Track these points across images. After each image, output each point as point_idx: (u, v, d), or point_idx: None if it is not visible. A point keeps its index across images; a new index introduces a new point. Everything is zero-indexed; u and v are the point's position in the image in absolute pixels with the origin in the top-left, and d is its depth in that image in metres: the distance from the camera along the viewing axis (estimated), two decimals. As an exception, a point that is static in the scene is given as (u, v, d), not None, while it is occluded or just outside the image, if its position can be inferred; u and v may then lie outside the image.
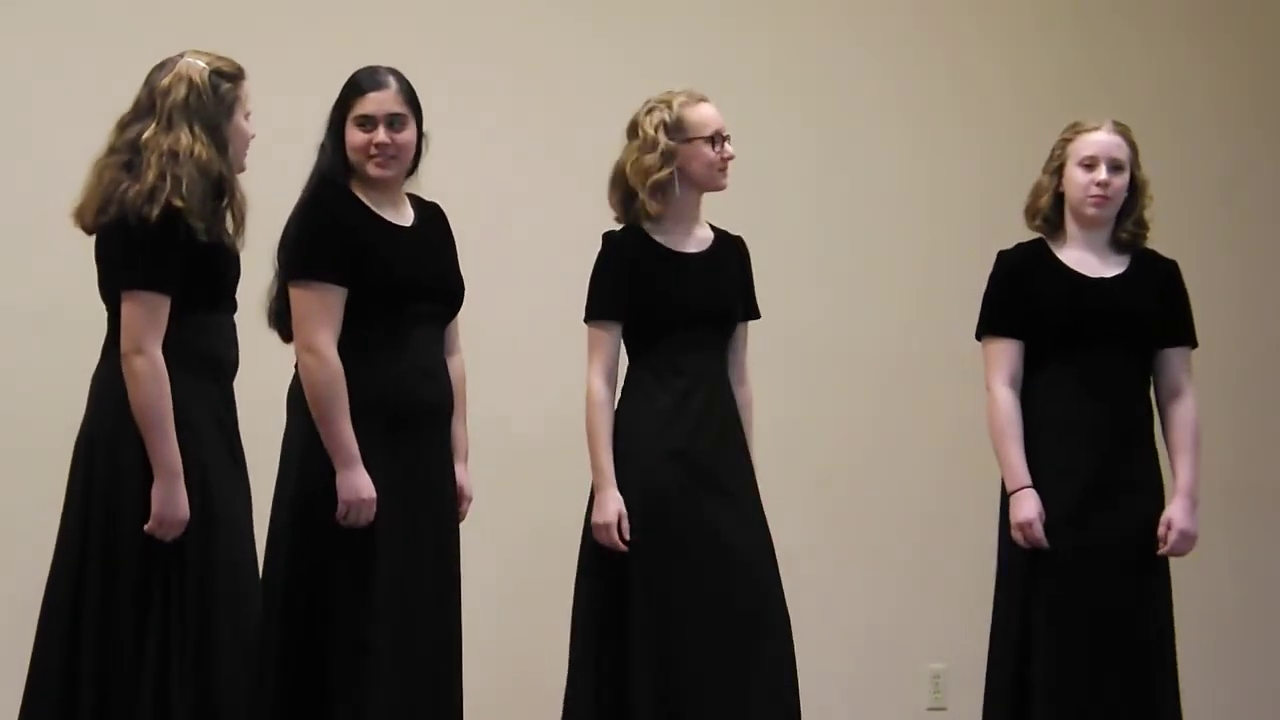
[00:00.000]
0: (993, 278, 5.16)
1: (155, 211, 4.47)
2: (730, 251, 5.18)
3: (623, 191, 5.10)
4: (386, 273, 4.68)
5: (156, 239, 4.48)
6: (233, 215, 4.60)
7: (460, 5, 6.47)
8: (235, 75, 4.65)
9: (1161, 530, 5.01)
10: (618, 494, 4.94)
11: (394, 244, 4.72)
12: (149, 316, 4.49)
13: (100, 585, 4.49)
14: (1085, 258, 5.10)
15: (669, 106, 5.07)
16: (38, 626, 4.58)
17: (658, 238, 5.09)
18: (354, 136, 4.72)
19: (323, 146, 4.75)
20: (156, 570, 4.49)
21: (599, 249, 5.08)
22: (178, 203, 4.48)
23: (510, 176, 6.41)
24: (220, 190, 4.57)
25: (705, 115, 5.07)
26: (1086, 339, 5.02)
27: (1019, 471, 5.02)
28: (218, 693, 4.52)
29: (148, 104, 4.59)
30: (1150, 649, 5.00)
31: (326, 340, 4.61)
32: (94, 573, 4.50)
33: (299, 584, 4.62)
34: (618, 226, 5.12)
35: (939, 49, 6.92)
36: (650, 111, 5.09)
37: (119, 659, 4.48)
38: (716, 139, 5.05)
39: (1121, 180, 5.07)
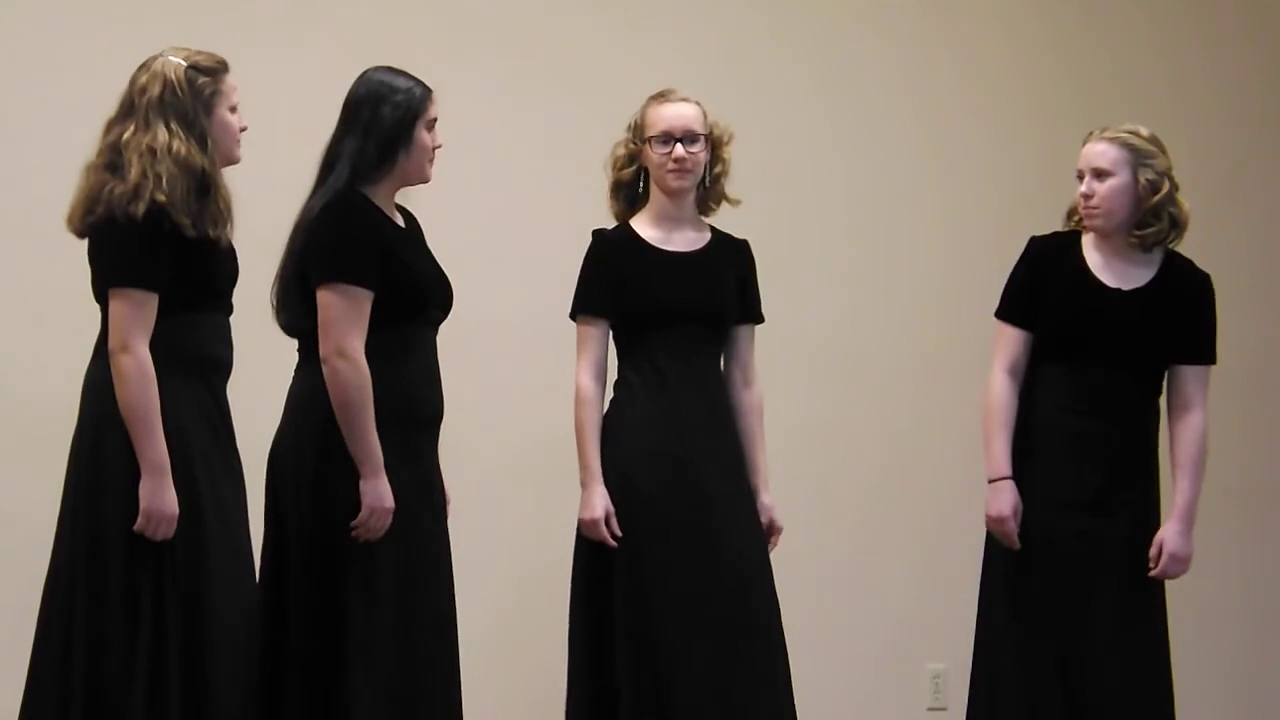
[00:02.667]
0: (1018, 262, 5.08)
1: (141, 209, 4.47)
2: (729, 255, 5.15)
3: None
4: (408, 279, 4.68)
5: (143, 236, 4.48)
6: (218, 210, 4.56)
7: (463, 3, 6.48)
8: (214, 69, 4.62)
9: (1153, 551, 4.92)
10: (604, 490, 4.94)
11: (407, 250, 4.73)
12: (135, 314, 4.49)
13: (89, 583, 4.50)
14: (1111, 263, 4.98)
15: (643, 107, 5.07)
16: (36, 625, 4.59)
17: (646, 237, 5.08)
18: (427, 139, 4.71)
19: (361, 150, 4.65)
20: (146, 568, 4.50)
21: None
22: (161, 198, 4.47)
23: (512, 175, 6.40)
24: (205, 186, 4.55)
25: (659, 115, 5.04)
26: (1089, 349, 4.94)
27: (1000, 461, 4.97)
28: (214, 692, 4.53)
29: (128, 104, 4.59)
30: (1132, 662, 4.89)
31: (358, 345, 4.58)
32: (84, 571, 4.51)
33: (314, 591, 4.60)
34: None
35: (953, 50, 6.89)
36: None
37: (112, 657, 4.48)
38: (665, 140, 5.02)
39: (1107, 187, 4.92)
